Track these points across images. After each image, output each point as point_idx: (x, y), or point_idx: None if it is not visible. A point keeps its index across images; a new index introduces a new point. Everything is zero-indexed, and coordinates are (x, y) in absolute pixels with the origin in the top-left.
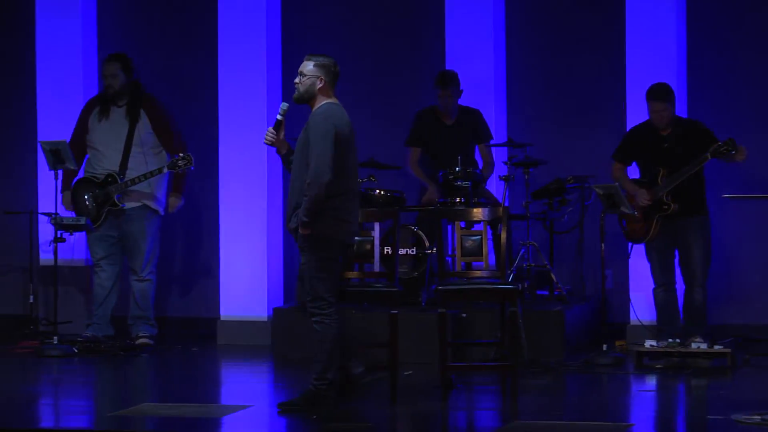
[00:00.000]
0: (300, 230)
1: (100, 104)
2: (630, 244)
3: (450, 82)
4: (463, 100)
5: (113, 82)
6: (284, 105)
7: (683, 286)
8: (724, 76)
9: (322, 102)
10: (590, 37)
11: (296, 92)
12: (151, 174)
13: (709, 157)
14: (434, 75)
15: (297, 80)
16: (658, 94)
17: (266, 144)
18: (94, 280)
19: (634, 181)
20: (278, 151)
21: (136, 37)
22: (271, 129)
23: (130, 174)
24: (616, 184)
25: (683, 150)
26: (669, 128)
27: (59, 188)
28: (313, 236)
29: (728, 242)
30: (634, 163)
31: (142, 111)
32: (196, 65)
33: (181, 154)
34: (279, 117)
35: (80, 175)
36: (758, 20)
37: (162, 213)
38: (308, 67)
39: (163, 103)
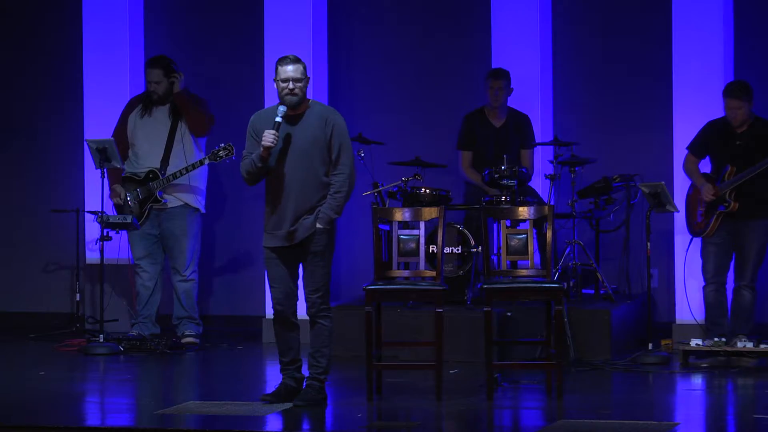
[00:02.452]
0: (324, 227)
1: (143, 103)
2: (690, 238)
3: (502, 74)
4: (511, 100)
5: (157, 88)
6: (284, 108)
7: (731, 284)
8: None
9: (307, 101)
10: (636, 35)
11: (296, 97)
12: (193, 166)
13: None
14: (480, 74)
15: (292, 86)
16: (735, 91)
17: (269, 146)
18: (137, 281)
19: (704, 175)
20: (269, 152)
21: (182, 37)
22: (274, 132)
23: (171, 170)
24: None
25: (755, 149)
26: (744, 126)
27: (106, 185)
28: (330, 234)
29: None
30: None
31: (179, 108)
32: (242, 64)
33: (222, 144)
34: (279, 120)
35: (122, 173)
36: None
37: (203, 210)
38: (301, 70)
39: (191, 91)
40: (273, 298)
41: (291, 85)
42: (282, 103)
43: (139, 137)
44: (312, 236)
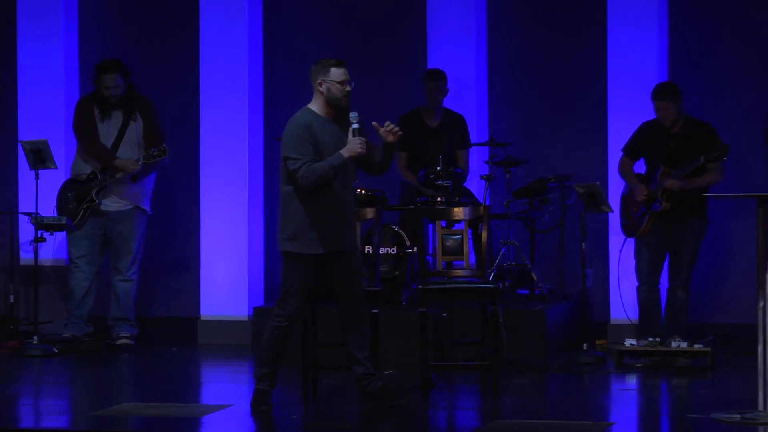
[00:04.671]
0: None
1: (99, 108)
2: (624, 239)
3: (439, 75)
4: (447, 100)
5: (115, 92)
6: (356, 114)
7: (664, 285)
8: (707, 75)
9: None
10: (572, 36)
11: (347, 99)
12: (136, 161)
13: (703, 161)
14: (416, 75)
15: (348, 88)
16: (661, 93)
17: (361, 152)
18: (71, 279)
19: (638, 175)
20: (361, 155)
21: (118, 38)
22: (362, 138)
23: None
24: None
25: (688, 150)
26: (677, 126)
27: (41, 186)
28: None
29: (711, 242)
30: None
31: (137, 112)
32: (177, 65)
33: (157, 147)
34: (357, 126)
35: (68, 176)
36: (742, 18)
37: (150, 213)
38: None
39: (155, 106)
40: (292, 306)
41: (348, 87)
42: (338, 104)
43: None
44: (353, 239)
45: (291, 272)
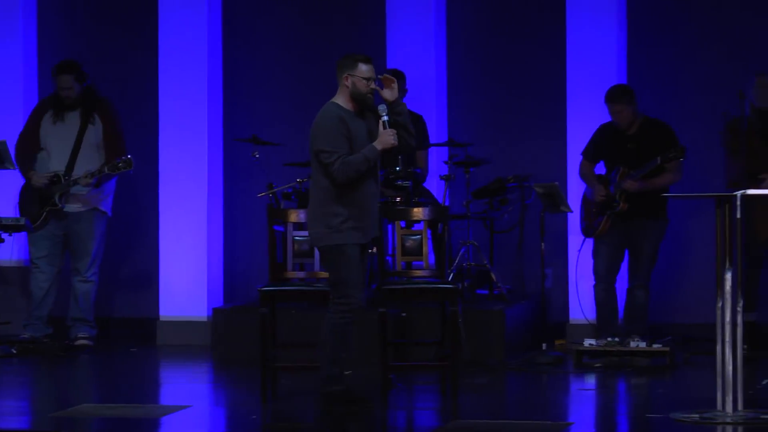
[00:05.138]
0: None
1: (54, 108)
2: (582, 239)
3: (398, 75)
4: (406, 100)
5: (69, 93)
6: (386, 107)
7: (624, 285)
8: (666, 76)
9: None
10: (531, 37)
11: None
12: (92, 174)
13: (660, 162)
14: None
15: (374, 85)
16: (615, 96)
17: (394, 144)
18: (31, 280)
19: (598, 177)
20: (390, 147)
21: (77, 39)
22: (393, 130)
23: (75, 175)
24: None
25: (646, 151)
26: (634, 128)
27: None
28: None
29: (670, 242)
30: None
31: (96, 115)
32: (136, 67)
33: (123, 157)
34: (387, 118)
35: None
36: (701, 20)
37: (110, 214)
38: None
39: (115, 108)
40: (353, 300)
41: (373, 84)
42: (362, 99)
43: (50, 142)
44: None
45: (342, 265)
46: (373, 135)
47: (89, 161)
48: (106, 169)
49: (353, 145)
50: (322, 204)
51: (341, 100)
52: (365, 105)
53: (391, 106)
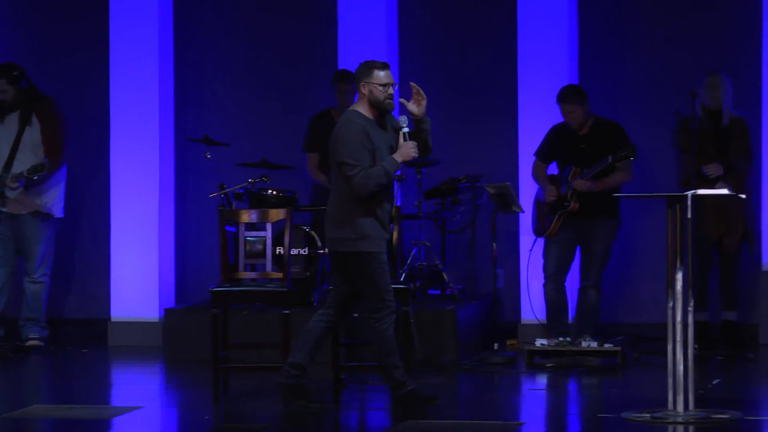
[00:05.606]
0: None
1: None
2: (534, 239)
3: (350, 77)
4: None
5: (5, 96)
6: (407, 117)
7: (575, 285)
8: (617, 76)
9: None
10: (483, 37)
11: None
12: (16, 178)
13: (611, 161)
14: (327, 75)
15: (391, 91)
16: (566, 96)
17: (415, 156)
18: None
19: (551, 177)
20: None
21: (25, 39)
22: (414, 142)
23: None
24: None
25: (598, 150)
26: (586, 128)
27: None
28: None
29: (622, 241)
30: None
31: (34, 116)
32: (87, 67)
33: (42, 161)
34: (408, 129)
35: None
36: (651, 20)
37: (59, 215)
38: None
39: (59, 107)
40: (391, 303)
41: (391, 90)
42: (380, 106)
43: None
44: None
45: (373, 270)
46: (390, 145)
47: (26, 163)
48: (25, 173)
49: (376, 156)
50: (347, 210)
51: (362, 108)
52: (384, 111)
53: (417, 123)
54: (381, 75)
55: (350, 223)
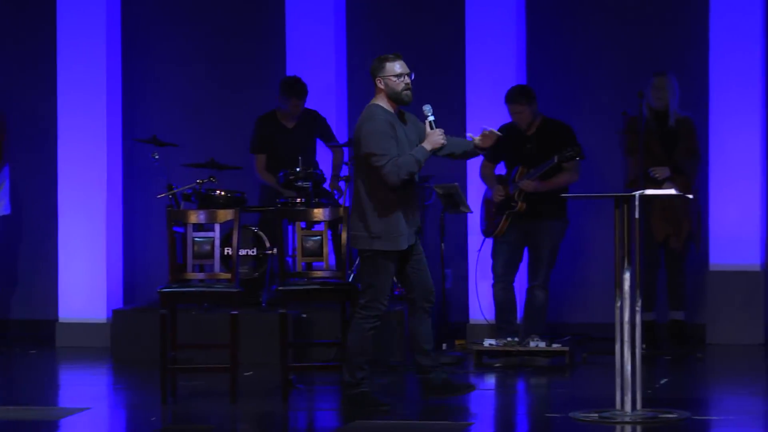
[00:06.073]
0: None
1: None
2: (482, 240)
3: (300, 92)
4: (308, 101)
5: None
6: (430, 106)
7: (523, 285)
8: (565, 76)
9: None
10: (430, 38)
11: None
12: None
13: (557, 161)
14: (275, 76)
15: (408, 80)
16: (512, 96)
17: (443, 144)
18: None
19: (498, 177)
20: (440, 147)
21: None
22: (441, 129)
23: None
24: (455, 183)
25: (545, 151)
26: (533, 128)
27: None
28: None
29: (569, 241)
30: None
31: None
32: (35, 67)
33: None
34: (433, 118)
35: None
36: (599, 21)
37: (4, 212)
38: None
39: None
40: (383, 304)
41: (407, 79)
42: (398, 97)
43: None
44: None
45: (379, 270)
46: (411, 138)
47: None
48: None
49: (400, 146)
50: (367, 207)
51: (381, 101)
52: (402, 102)
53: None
54: (395, 66)
55: (372, 220)
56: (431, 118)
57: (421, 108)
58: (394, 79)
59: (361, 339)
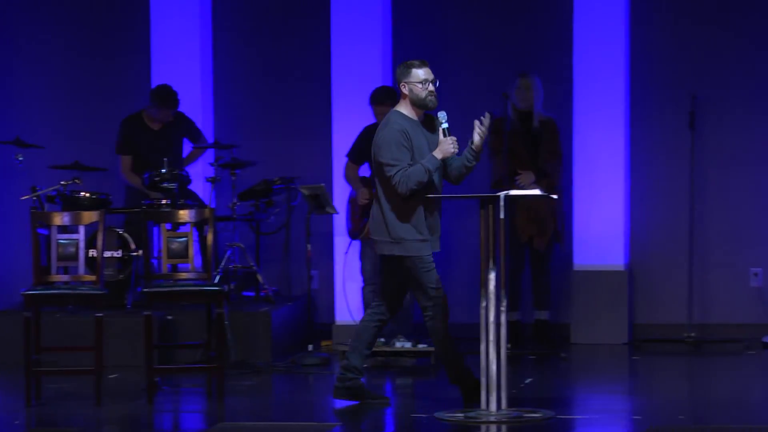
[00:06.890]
0: None
1: None
2: (349, 241)
3: (174, 104)
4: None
5: None
6: (445, 114)
7: None
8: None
9: None
10: (297, 39)
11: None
12: None
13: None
14: (140, 76)
15: (432, 87)
16: (376, 97)
17: (456, 152)
18: None
19: (362, 179)
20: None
21: None
22: (453, 138)
23: None
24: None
25: None
26: None
27: None
28: None
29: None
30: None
31: None
32: None
33: None
34: (447, 125)
35: None
36: (465, 16)
37: None
38: None
39: None
40: (439, 298)
41: (431, 86)
42: (423, 104)
43: None
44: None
45: (418, 273)
46: (433, 143)
47: None
48: None
49: (415, 155)
50: (389, 213)
51: (404, 108)
52: (427, 108)
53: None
54: (420, 72)
55: (385, 227)
56: (445, 125)
57: (438, 115)
58: (419, 85)
59: (442, 339)
